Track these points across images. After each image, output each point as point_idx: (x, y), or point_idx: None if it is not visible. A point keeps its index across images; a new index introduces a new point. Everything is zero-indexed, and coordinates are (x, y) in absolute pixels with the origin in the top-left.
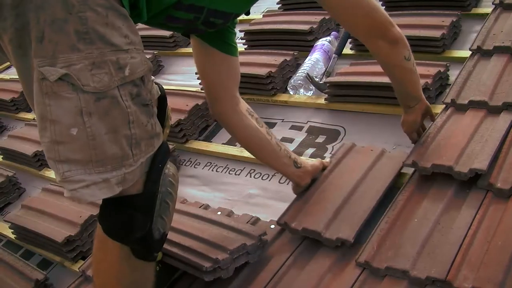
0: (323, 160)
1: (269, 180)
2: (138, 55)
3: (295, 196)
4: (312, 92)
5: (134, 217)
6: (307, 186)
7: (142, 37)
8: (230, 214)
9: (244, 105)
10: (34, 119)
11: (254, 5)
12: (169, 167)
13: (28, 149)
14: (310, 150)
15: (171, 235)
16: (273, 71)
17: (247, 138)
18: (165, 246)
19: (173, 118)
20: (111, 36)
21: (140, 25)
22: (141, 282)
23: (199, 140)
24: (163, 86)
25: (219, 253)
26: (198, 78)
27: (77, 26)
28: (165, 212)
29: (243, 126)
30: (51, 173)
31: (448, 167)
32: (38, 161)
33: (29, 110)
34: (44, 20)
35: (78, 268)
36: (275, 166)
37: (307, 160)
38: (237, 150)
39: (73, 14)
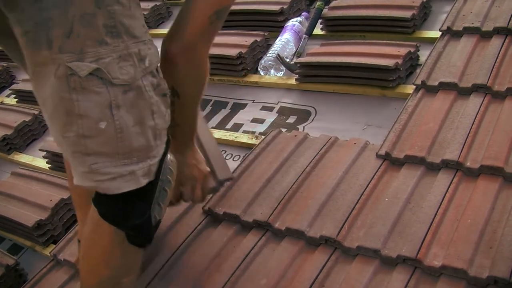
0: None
1: None
2: (152, 46)
3: None
4: (282, 72)
5: (134, 203)
6: None
7: None
8: None
9: None
10: (2, 102)
11: None
12: (169, 155)
13: None
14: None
15: None
16: (243, 51)
17: None
18: None
19: None
20: (134, 28)
21: None
22: (129, 267)
23: None
24: None
25: None
26: None
27: (106, 20)
28: (163, 200)
29: None
30: (20, 157)
31: (420, 158)
32: (7, 145)
33: None
34: (73, 15)
35: (50, 252)
36: None
37: None
38: None
39: (102, 8)
